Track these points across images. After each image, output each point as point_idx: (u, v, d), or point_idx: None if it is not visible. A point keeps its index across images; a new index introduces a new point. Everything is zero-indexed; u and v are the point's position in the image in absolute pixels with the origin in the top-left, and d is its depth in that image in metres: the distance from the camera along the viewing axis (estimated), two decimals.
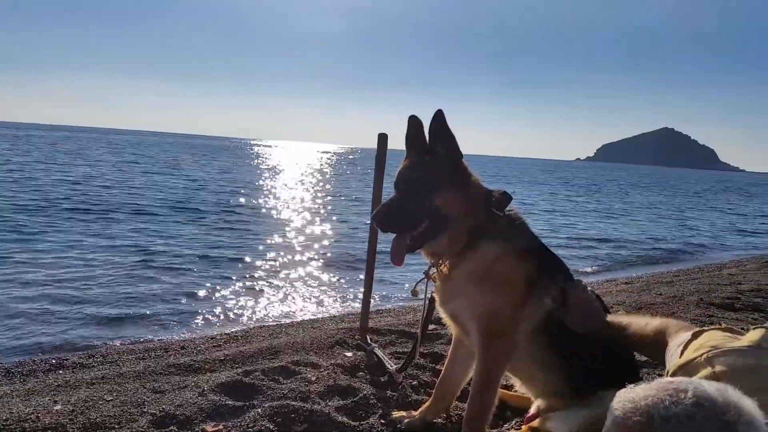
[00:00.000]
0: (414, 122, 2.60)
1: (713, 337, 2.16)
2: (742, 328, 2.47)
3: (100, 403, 3.03)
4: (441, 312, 2.82)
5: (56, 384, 3.42)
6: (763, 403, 1.58)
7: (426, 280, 2.77)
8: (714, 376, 1.87)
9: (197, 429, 2.80)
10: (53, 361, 4.64)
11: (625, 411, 1.62)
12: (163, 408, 2.95)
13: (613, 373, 2.59)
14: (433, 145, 2.52)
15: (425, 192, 2.48)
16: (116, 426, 2.79)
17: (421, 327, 3.12)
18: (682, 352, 2.24)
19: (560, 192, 38.86)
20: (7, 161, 29.19)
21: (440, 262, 2.66)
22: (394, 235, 2.57)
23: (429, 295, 2.86)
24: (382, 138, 4.23)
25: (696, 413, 1.51)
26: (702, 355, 2.07)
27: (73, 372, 4.09)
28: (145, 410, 2.94)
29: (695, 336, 2.26)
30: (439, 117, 2.48)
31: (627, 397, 1.67)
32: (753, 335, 2.15)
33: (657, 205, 31.68)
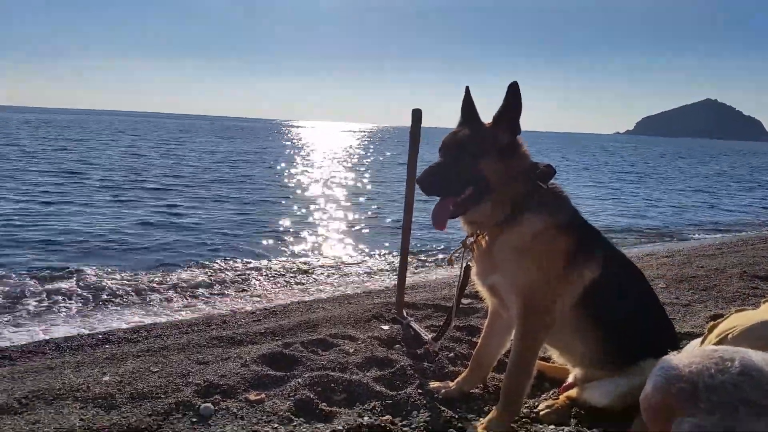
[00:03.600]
0: (467, 92, 2.63)
1: (737, 319, 2.11)
2: None
3: (147, 374, 3.15)
4: (478, 284, 2.82)
5: (104, 357, 3.55)
6: None
7: (463, 249, 2.77)
8: None
9: (241, 398, 2.88)
10: (100, 336, 4.82)
11: (669, 378, 1.60)
12: (207, 378, 3.04)
13: (653, 343, 2.58)
14: (501, 114, 2.52)
15: (473, 158, 2.48)
16: (162, 396, 2.89)
17: (457, 295, 3.13)
18: (704, 338, 2.20)
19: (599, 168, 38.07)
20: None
21: (479, 232, 2.66)
22: (435, 201, 2.58)
23: (465, 264, 2.86)
24: (416, 113, 4.20)
25: (743, 382, 1.49)
26: (727, 334, 2.03)
27: (119, 346, 4.24)
28: (189, 380, 3.04)
29: (714, 321, 2.22)
30: (514, 88, 2.48)
31: (670, 364, 1.65)
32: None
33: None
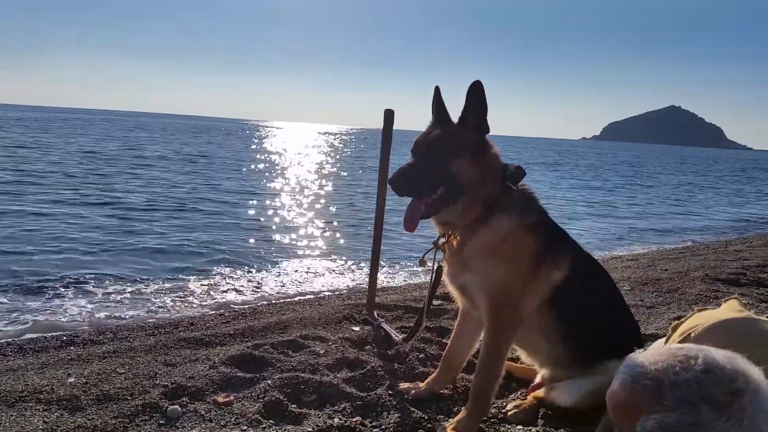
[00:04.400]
0: (437, 92, 2.65)
1: (699, 318, 2.18)
2: (748, 303, 2.50)
3: (113, 375, 3.09)
4: (448, 284, 2.85)
5: (69, 358, 3.48)
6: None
7: (435, 250, 2.79)
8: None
9: (209, 399, 2.85)
10: (64, 338, 4.71)
11: (634, 375, 1.64)
12: (174, 380, 3.00)
13: (619, 343, 2.63)
14: (465, 114, 2.54)
15: (444, 158, 2.51)
16: (129, 397, 2.85)
17: (428, 296, 3.15)
18: (668, 337, 2.26)
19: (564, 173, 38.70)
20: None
21: (450, 233, 2.68)
22: (407, 204, 2.60)
23: (437, 265, 2.88)
24: (389, 114, 4.22)
25: (705, 380, 1.53)
26: (689, 333, 2.09)
27: (84, 347, 4.16)
28: (157, 382, 2.99)
29: (678, 320, 2.29)
30: (477, 87, 2.51)
31: (636, 362, 1.69)
32: (730, 305, 2.18)
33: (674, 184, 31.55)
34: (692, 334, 2.03)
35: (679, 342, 2.08)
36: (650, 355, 1.71)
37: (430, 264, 2.95)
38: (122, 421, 2.61)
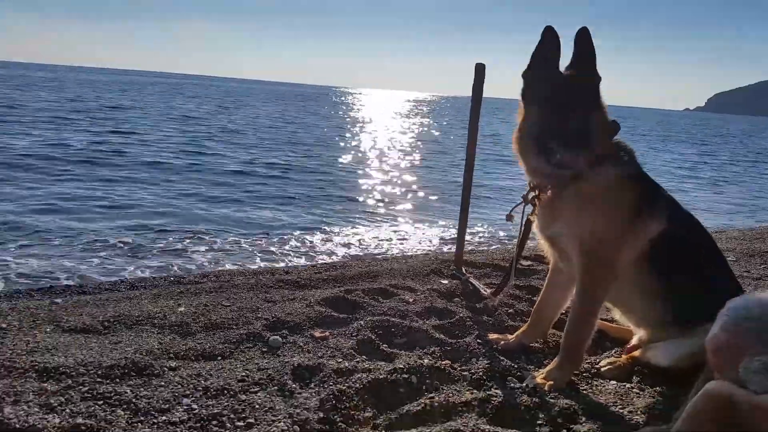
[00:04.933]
0: (552, 35, 2.50)
1: None
2: None
3: (219, 307, 3.32)
4: (539, 236, 2.82)
5: (178, 291, 3.76)
6: None
7: (524, 204, 2.77)
8: None
9: (306, 334, 3.01)
10: (172, 278, 5.09)
11: (737, 317, 1.59)
12: (275, 315, 3.19)
13: (720, 303, 2.51)
14: (581, 62, 2.47)
15: (589, 108, 2.45)
16: (234, 326, 3.06)
17: (517, 250, 3.11)
18: None
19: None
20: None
21: (543, 184, 2.64)
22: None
23: (525, 219, 2.86)
24: (479, 68, 4.14)
25: None
26: None
27: (191, 285, 4.47)
28: (259, 315, 3.19)
29: None
30: (585, 34, 2.44)
31: (738, 304, 1.63)
32: None
33: None
34: None
35: None
36: (754, 299, 1.64)
37: (517, 219, 2.93)
38: (228, 347, 2.81)
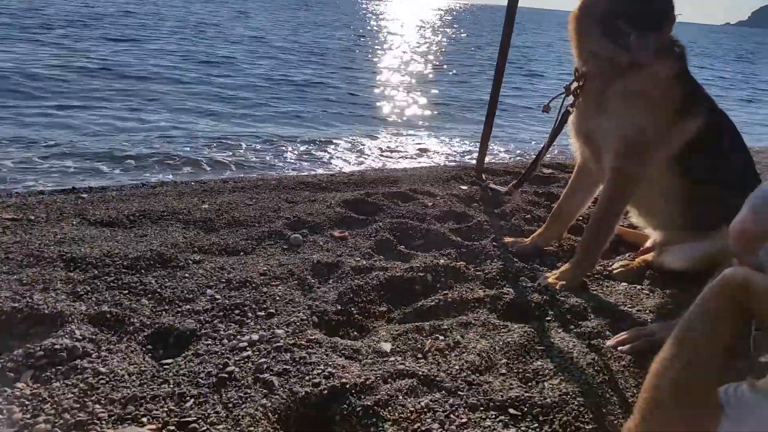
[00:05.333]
0: None
1: None
2: None
3: (242, 206, 3.41)
4: (573, 132, 2.77)
5: (202, 190, 3.84)
6: None
7: (565, 95, 2.70)
8: None
9: (326, 233, 3.10)
10: (193, 183, 5.16)
11: (766, 200, 1.57)
12: (296, 214, 3.27)
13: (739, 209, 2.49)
14: None
15: None
16: (256, 224, 3.15)
17: (551, 137, 3.04)
18: None
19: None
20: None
21: (595, 73, 2.55)
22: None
23: (564, 109, 2.80)
24: None
25: None
26: None
27: (214, 185, 4.55)
28: (280, 215, 3.28)
29: None
30: None
31: (766, 189, 1.61)
32: None
33: None
34: None
35: None
36: None
37: (554, 112, 2.87)
38: (251, 243, 2.92)
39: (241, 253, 2.81)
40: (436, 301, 2.44)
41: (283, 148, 7.37)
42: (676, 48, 2.48)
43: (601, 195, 2.65)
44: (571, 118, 2.75)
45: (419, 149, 8.01)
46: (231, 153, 6.80)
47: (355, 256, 2.83)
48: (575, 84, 2.63)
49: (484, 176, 4.42)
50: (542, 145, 3.21)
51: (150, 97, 9.65)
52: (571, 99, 2.69)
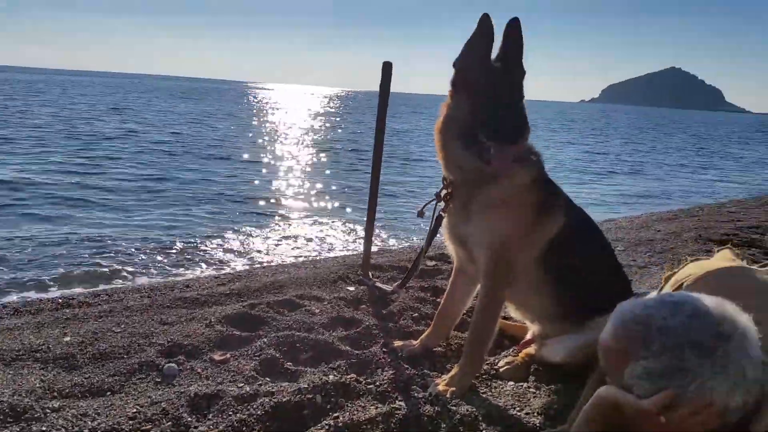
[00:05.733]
0: (489, 24, 2.43)
1: (692, 268, 2.20)
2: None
3: (109, 334, 3.11)
4: (447, 236, 2.84)
5: (65, 318, 3.49)
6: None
7: (436, 201, 2.78)
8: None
9: (205, 358, 2.88)
10: (59, 300, 4.71)
11: (625, 320, 1.67)
12: (171, 338, 3.03)
13: (610, 300, 2.65)
14: (513, 56, 2.46)
15: (521, 104, 2.45)
16: (125, 356, 2.88)
17: (427, 241, 3.11)
18: (661, 289, 2.28)
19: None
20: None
21: (453, 183, 2.66)
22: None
23: (437, 214, 2.87)
24: (386, 67, 4.11)
25: (691, 324, 1.56)
26: (682, 283, 2.11)
27: (80, 309, 4.16)
28: (153, 341, 3.02)
29: (671, 272, 2.30)
30: (516, 25, 2.44)
31: (626, 308, 1.72)
32: (723, 255, 2.19)
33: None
34: (685, 284, 2.05)
35: (674, 290, 2.10)
36: (640, 303, 1.73)
37: (428, 216, 2.94)
38: (119, 379, 2.64)
39: (108, 393, 2.53)
40: (326, 427, 2.31)
41: (161, 249, 7.01)
42: (533, 156, 2.66)
43: (478, 300, 2.72)
44: (444, 222, 2.84)
45: (306, 239, 7.96)
46: (106, 258, 6.35)
47: (237, 382, 2.64)
48: (444, 191, 2.73)
49: (370, 274, 4.41)
50: (421, 247, 3.28)
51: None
52: (443, 204, 2.79)
